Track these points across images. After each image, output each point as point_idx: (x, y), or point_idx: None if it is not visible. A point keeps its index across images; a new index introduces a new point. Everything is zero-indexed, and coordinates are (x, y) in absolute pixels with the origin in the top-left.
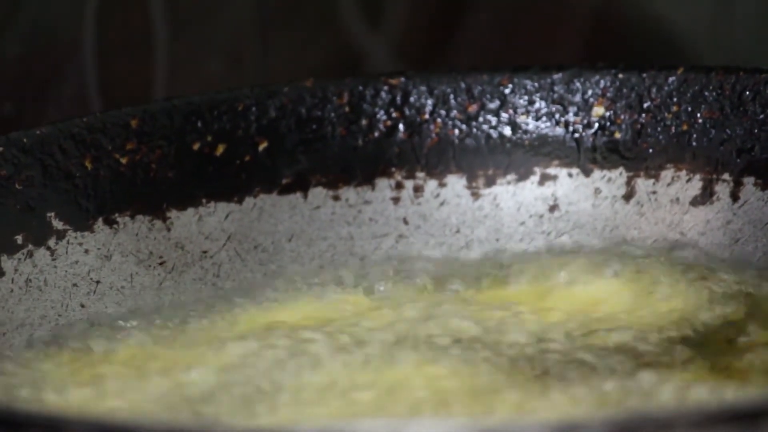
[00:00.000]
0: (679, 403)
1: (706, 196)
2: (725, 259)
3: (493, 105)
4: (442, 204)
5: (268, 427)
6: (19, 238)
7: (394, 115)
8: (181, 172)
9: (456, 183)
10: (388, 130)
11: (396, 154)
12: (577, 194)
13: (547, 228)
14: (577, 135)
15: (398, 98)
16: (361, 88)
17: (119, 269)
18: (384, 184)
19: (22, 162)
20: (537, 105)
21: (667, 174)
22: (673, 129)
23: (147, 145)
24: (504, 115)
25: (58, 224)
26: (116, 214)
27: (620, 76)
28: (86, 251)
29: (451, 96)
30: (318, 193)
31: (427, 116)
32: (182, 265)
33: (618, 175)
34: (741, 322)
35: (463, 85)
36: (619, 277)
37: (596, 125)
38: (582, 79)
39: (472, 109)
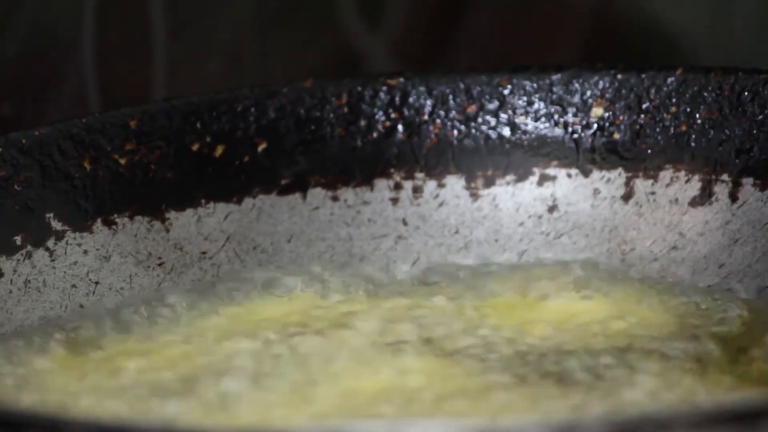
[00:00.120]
0: (680, 403)
1: (704, 196)
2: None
3: (492, 106)
4: (441, 205)
5: (269, 427)
6: (18, 239)
7: (393, 115)
8: (180, 173)
9: (455, 184)
10: (387, 130)
11: (395, 154)
12: (576, 195)
13: (546, 228)
14: (576, 136)
15: (397, 99)
16: (359, 88)
17: (118, 270)
18: (383, 185)
19: (20, 163)
20: (536, 106)
21: (665, 174)
22: (671, 130)
23: (146, 146)
24: (503, 116)
25: (56, 225)
26: (115, 215)
27: (619, 76)
28: (85, 252)
29: (450, 97)
30: (317, 194)
31: (426, 117)
32: (181, 266)
33: (617, 176)
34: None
35: (462, 85)
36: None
37: (595, 126)
38: (581, 80)
39: (471, 109)
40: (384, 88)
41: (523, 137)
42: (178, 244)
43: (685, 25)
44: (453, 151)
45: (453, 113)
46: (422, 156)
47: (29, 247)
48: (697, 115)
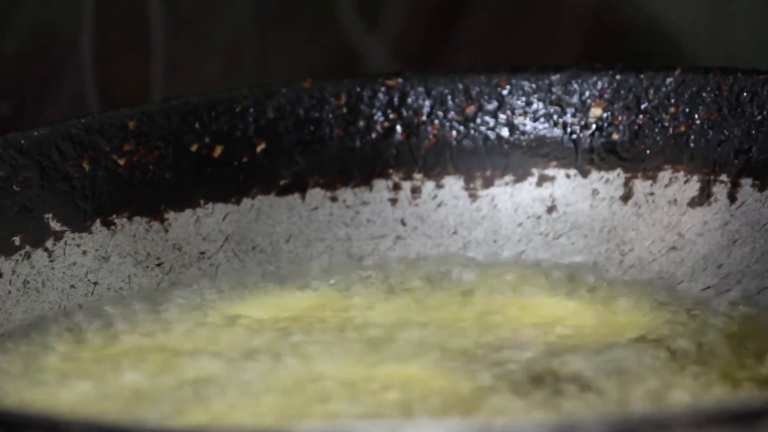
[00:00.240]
0: (679, 403)
1: (703, 197)
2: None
3: (491, 106)
4: (439, 205)
5: (267, 427)
6: (17, 240)
7: (391, 116)
8: (179, 173)
9: (454, 184)
10: (386, 131)
11: (393, 155)
12: (575, 195)
13: (545, 229)
14: (574, 136)
15: (396, 99)
16: (358, 89)
17: (117, 270)
18: (381, 186)
19: (19, 163)
20: (535, 106)
21: (664, 175)
22: (670, 130)
23: (145, 146)
24: (502, 116)
25: (55, 225)
26: (114, 216)
27: (618, 77)
28: (84, 252)
29: (449, 97)
30: (316, 194)
31: (424, 117)
32: (180, 266)
33: (616, 176)
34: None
35: (460, 86)
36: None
37: (594, 126)
38: (579, 80)
39: (470, 110)
40: (383, 88)
41: (522, 138)
42: (177, 245)
43: (684, 25)
44: (451, 152)
45: (452, 114)
46: (421, 156)
47: (28, 248)
48: (696, 116)
